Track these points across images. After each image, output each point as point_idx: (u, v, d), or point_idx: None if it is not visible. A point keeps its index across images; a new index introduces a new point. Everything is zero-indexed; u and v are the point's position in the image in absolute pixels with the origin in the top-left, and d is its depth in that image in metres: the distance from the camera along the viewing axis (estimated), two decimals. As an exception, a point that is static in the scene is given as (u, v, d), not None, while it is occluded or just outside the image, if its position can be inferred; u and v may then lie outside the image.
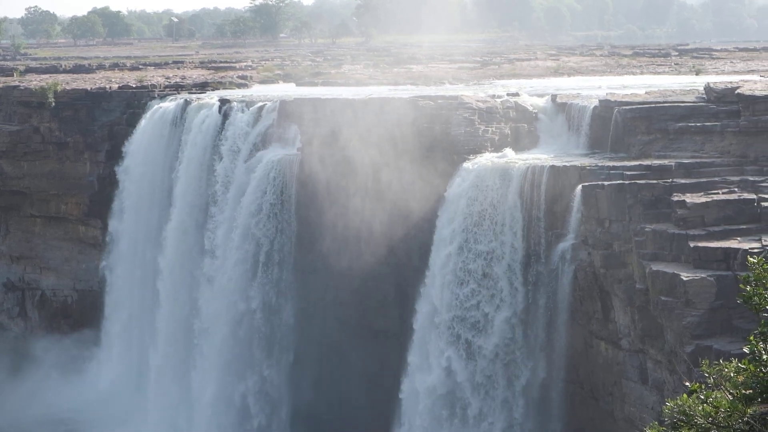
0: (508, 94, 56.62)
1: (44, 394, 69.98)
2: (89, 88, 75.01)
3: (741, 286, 19.66)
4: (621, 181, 43.16)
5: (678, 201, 41.05)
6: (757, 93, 46.15)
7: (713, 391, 18.92)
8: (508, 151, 50.62)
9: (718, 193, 41.51)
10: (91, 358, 71.60)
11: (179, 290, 63.85)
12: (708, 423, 18.25)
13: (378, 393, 56.70)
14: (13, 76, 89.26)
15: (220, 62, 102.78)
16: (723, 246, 38.85)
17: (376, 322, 58.57)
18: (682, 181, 42.82)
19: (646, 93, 52.18)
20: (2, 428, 67.11)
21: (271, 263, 59.01)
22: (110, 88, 74.84)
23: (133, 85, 75.40)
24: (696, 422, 18.34)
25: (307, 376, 59.90)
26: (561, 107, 53.02)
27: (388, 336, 57.66)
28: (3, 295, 79.21)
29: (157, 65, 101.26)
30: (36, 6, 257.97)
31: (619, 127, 48.24)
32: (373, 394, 57.37)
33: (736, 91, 47.29)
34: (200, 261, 62.27)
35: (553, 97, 54.28)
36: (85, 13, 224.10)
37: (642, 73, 78.37)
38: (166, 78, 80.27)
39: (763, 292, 19.19)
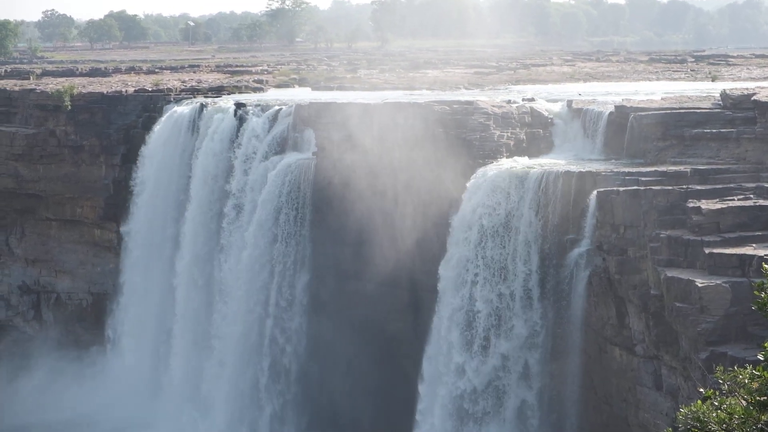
0: (523, 100, 56.70)
1: (58, 397, 70.13)
2: (105, 92, 75.14)
3: (756, 293, 19.65)
4: (636, 187, 43.11)
5: (693, 207, 40.95)
6: (774, 99, 46.06)
7: (727, 397, 18.92)
8: (522, 159, 50.62)
9: (733, 200, 41.40)
10: (106, 361, 71.73)
11: (194, 294, 64.00)
12: (722, 430, 18.25)
13: (391, 397, 56.73)
14: (29, 79, 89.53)
15: (236, 66, 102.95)
16: (738, 253, 38.72)
17: (390, 326, 58.59)
18: (698, 187, 42.71)
19: (662, 99, 52.14)
20: (15, 430, 67.34)
21: (286, 267, 59.10)
22: (126, 91, 74.96)
23: (149, 89, 75.52)
24: (710, 429, 18.34)
25: (320, 378, 59.97)
26: (576, 113, 53.04)
27: (402, 341, 57.66)
28: (18, 298, 79.40)
29: (173, 69, 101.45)
30: (53, 9, 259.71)
31: (634, 133, 48.21)
32: (386, 398, 57.39)
33: (753, 98, 47.22)
34: (215, 265, 62.40)
35: (569, 103, 54.31)
36: (102, 17, 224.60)
37: (658, 79, 78.31)
38: (182, 82, 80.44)
39: (778, 298, 19.19)
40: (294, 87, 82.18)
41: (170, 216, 66.64)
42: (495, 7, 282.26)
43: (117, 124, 72.90)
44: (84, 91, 75.56)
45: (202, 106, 66.73)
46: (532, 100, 56.72)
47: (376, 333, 58.60)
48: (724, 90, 50.32)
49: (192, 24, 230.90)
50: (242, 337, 60.45)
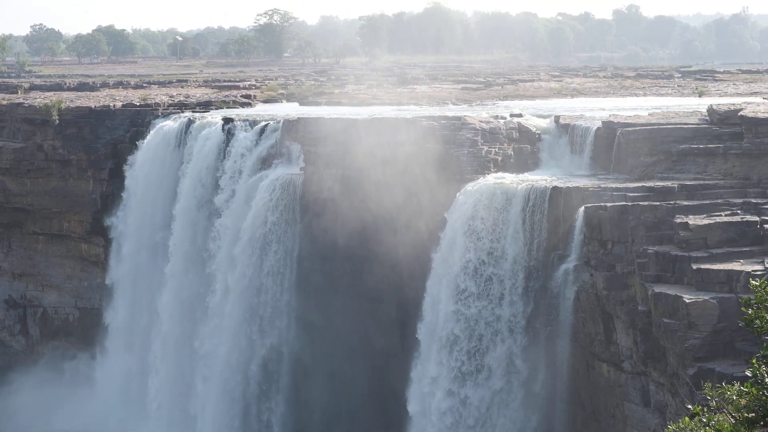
0: (511, 115, 56.72)
1: (45, 412, 69.84)
2: (93, 106, 75.08)
3: (743, 309, 19.65)
4: (624, 203, 43.16)
5: (681, 223, 41.02)
6: (760, 115, 46.17)
7: (715, 414, 18.91)
8: (510, 175, 50.58)
9: (720, 215, 41.47)
10: (92, 375, 71.48)
11: (180, 309, 63.88)
12: (710, 446, 18.24)
13: (380, 411, 56.65)
14: (17, 93, 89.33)
15: (224, 81, 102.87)
16: (725, 268, 38.78)
17: (378, 341, 58.54)
18: (685, 203, 42.79)
19: (649, 115, 52.23)
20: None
21: (274, 282, 59.03)
22: (114, 106, 74.88)
23: (137, 104, 75.46)
24: (698, 445, 18.33)
25: (309, 393, 59.89)
26: (564, 128, 53.10)
27: (389, 356, 57.60)
28: (4, 312, 79.14)
29: (161, 84, 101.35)
30: (41, 24, 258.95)
31: (621, 148, 48.28)
32: (375, 413, 57.33)
33: (739, 113, 47.31)
34: (202, 279, 62.31)
35: (556, 118, 54.35)
36: (90, 32, 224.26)
37: (645, 94, 78.43)
38: (170, 96, 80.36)
39: (765, 315, 19.19)
40: (282, 102, 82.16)
41: (158, 231, 66.51)
42: (482, 23, 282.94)
43: (105, 139, 72.82)
44: (72, 105, 75.50)
45: (190, 121, 66.72)
46: (519, 115, 56.76)
47: (364, 348, 58.56)
48: (711, 105, 50.38)
49: (180, 39, 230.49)
50: (229, 352, 60.32)
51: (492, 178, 50.07)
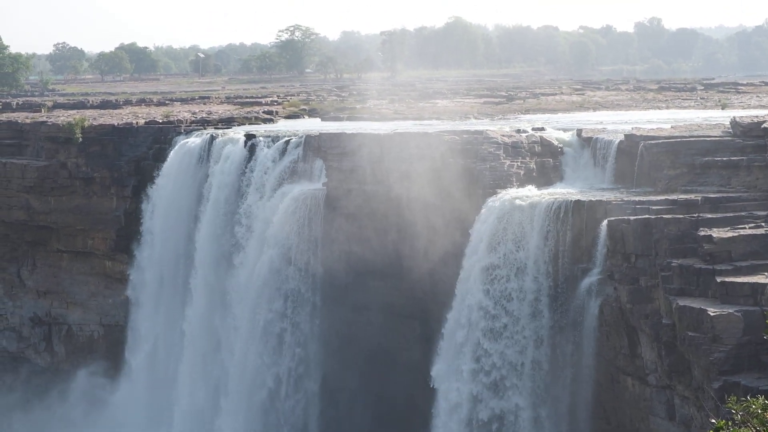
0: (533, 129, 56.71)
1: (69, 429, 70.00)
2: (116, 124, 75.31)
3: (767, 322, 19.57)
4: (647, 216, 43.03)
5: (704, 236, 40.86)
6: (784, 127, 46.01)
7: (740, 427, 18.84)
8: (532, 189, 50.47)
9: (744, 228, 41.29)
10: (117, 393, 71.63)
11: (204, 325, 63.98)
12: (736, 460, 18.15)
13: (402, 428, 56.58)
14: (40, 111, 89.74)
15: (246, 97, 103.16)
16: (750, 281, 38.62)
17: (401, 357, 58.48)
18: (709, 215, 42.62)
19: (671, 127, 52.12)
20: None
21: (297, 297, 59.08)
22: (137, 123, 75.10)
23: (160, 121, 75.63)
24: (724, 459, 18.25)
25: (333, 409, 59.89)
26: (586, 142, 53.06)
27: (413, 371, 57.52)
28: (29, 330, 79.42)
29: (184, 101, 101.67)
30: (64, 42, 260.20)
31: (644, 161, 48.18)
32: (397, 429, 57.26)
33: (763, 125, 47.19)
34: (226, 295, 62.40)
35: (579, 132, 54.32)
36: (113, 49, 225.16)
37: (668, 107, 78.28)
38: (193, 113, 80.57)
39: (791, 328, 19.11)
40: (304, 117, 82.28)
41: (181, 248, 66.69)
42: (504, 37, 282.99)
43: (128, 156, 73.01)
44: (95, 123, 75.72)
45: (213, 138, 66.89)
46: (541, 129, 56.75)
47: (388, 363, 58.51)
48: (734, 118, 50.28)
49: (202, 56, 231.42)
50: (253, 368, 60.36)
51: (515, 192, 50.02)
